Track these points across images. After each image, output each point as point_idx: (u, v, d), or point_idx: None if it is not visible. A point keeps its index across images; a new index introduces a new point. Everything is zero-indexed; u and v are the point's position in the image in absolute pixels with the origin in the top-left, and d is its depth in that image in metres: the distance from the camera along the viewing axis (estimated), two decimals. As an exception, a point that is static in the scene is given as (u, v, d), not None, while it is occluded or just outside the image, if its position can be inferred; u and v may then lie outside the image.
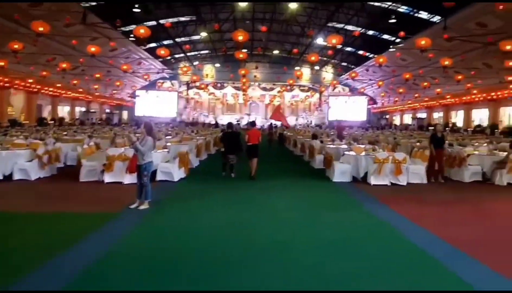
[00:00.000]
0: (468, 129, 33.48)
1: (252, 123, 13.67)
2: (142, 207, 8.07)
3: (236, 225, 6.96)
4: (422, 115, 47.47)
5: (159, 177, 11.28)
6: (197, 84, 55.03)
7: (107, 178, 10.84)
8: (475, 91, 29.80)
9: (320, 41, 41.33)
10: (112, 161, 10.90)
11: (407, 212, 7.86)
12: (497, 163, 11.09)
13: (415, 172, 11.11)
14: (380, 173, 10.64)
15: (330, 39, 15.98)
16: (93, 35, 26.27)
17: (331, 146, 14.62)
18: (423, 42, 15.83)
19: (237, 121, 54.13)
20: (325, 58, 52.10)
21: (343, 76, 53.06)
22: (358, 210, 8.16)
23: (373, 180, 10.77)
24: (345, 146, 14.43)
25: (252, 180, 11.72)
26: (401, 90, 31.63)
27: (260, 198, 9.30)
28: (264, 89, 59.86)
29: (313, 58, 20.52)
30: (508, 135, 25.57)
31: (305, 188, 10.65)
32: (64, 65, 25.66)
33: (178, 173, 11.58)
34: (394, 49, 31.55)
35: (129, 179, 10.24)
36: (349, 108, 58.16)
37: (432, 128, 14.85)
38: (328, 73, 57.92)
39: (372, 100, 58.03)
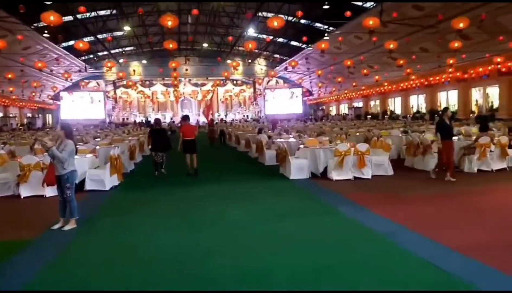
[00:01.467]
0: (408, 115, 34.22)
1: (185, 117, 12.86)
2: (67, 227, 6.32)
3: (186, 249, 5.35)
4: (359, 104, 48.37)
5: (88, 186, 9.44)
6: (124, 82, 51.86)
7: (24, 191, 8.89)
8: (413, 77, 30.24)
9: (251, 32, 40.31)
10: (27, 171, 8.89)
11: (392, 214, 6.73)
12: (464, 148, 10.45)
13: (379, 163, 10.24)
14: (342, 167, 9.63)
15: (272, 22, 14.73)
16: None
17: (281, 140, 13.52)
18: (371, 22, 14.79)
19: (171, 119, 51.89)
20: (256, 50, 51.42)
21: (277, 67, 52.60)
22: (333, 216, 6.89)
23: (335, 175, 9.73)
24: (293, 140, 13.44)
25: (194, 175, 11.38)
26: (339, 79, 31.53)
27: (210, 208, 7.71)
28: (196, 85, 57.80)
29: (250, 45, 19.02)
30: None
31: (261, 190, 9.30)
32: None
33: (110, 181, 9.79)
34: (328, 38, 31.22)
35: (52, 191, 8.25)
36: (285, 101, 58.13)
37: (440, 113, 12.61)
38: (261, 66, 57.27)
39: (308, 92, 58.32)
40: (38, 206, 8.05)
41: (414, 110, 36.56)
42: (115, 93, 55.87)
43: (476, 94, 29.49)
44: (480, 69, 25.26)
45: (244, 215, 7.12)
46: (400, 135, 13.93)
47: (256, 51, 51.60)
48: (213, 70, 50.24)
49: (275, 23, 14.64)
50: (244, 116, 56.73)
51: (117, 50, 48.77)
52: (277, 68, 52.51)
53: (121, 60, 45.95)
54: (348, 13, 20.47)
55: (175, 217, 7.10)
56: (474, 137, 10.94)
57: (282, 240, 5.65)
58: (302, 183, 9.77)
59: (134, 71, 53.23)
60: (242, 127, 26.18)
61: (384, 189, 8.94)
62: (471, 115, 27.72)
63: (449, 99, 31.92)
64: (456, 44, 16.75)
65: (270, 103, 59.03)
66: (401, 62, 21.96)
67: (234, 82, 58.27)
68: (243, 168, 13.44)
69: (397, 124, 23.32)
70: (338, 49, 33.29)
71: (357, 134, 16.52)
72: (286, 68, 47.30)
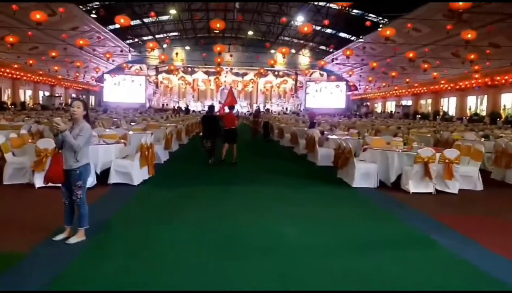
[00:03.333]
0: (464, 117, 31.21)
1: (230, 108, 12.69)
2: (73, 239, 4.78)
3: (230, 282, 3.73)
4: (408, 102, 45.24)
5: (113, 179, 7.98)
6: (166, 67, 51.20)
7: (38, 181, 7.44)
8: (476, 76, 27.28)
9: (299, 21, 38.19)
10: (43, 157, 7.52)
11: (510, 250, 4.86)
12: None
13: (466, 175, 8.18)
14: (426, 177, 7.66)
15: (302, 28, 14.14)
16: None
17: (336, 137, 11.66)
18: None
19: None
20: (301, 41, 49.17)
21: (325, 58, 50.25)
22: (430, 249, 4.95)
23: (412, 187, 7.79)
24: (349, 138, 11.56)
25: (233, 164, 11.22)
26: (393, 73, 28.97)
27: (257, 223, 5.91)
28: (237, 74, 56.38)
29: (306, 28, 16.91)
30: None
31: (320, 201, 7.47)
32: (11, 39, 21.47)
33: (139, 174, 8.27)
34: (381, 29, 28.70)
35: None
36: (327, 95, 55.86)
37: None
38: (305, 57, 55.00)
39: (354, 86, 55.59)
40: (51, 200, 6.59)
41: (472, 111, 33.42)
42: (156, 77, 55.35)
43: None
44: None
45: (301, 234, 5.41)
46: (483, 140, 11.59)
47: (302, 41, 49.59)
48: (258, 57, 48.42)
49: (305, 29, 13.68)
50: (283, 108, 54.83)
51: (161, 35, 47.96)
52: (325, 58, 50.13)
53: (164, 45, 45.28)
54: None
55: (209, 233, 5.40)
56: None
57: (369, 286, 3.87)
58: (370, 194, 7.87)
59: (177, 54, 52.36)
60: (285, 120, 24.32)
61: (483, 210, 6.98)
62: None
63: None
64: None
65: (311, 96, 56.94)
66: (472, 56, 19.33)
67: (276, 73, 56.45)
68: (292, 167, 11.62)
69: (459, 126, 20.83)
70: (399, 39, 30.98)
71: (419, 135, 14.24)
72: (332, 60, 44.99)
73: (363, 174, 8.36)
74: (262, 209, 6.70)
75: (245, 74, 56.26)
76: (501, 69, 26.23)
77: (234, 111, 13.13)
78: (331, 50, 46.28)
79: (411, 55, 18.45)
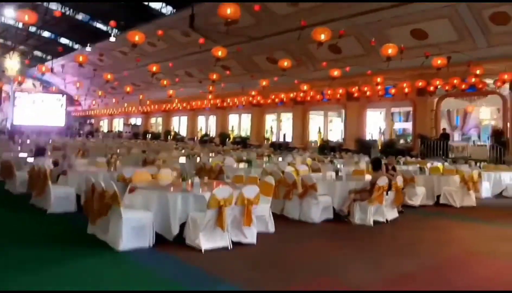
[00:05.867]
0: (195, 137, 31.83)
1: None
2: None
3: None
4: (137, 120, 43.47)
5: None
6: None
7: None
8: (210, 96, 28.39)
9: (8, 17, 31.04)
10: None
11: None
12: (356, 192, 7.90)
13: (259, 214, 6.58)
14: (219, 226, 5.57)
15: (22, 15, 11.05)
16: None
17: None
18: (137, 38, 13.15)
19: None
20: (9, 42, 40.47)
21: (34, 68, 42.94)
22: None
23: (204, 242, 5.54)
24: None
25: None
26: (128, 89, 26.43)
27: None
28: None
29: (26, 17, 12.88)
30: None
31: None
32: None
33: None
34: (114, 40, 26.15)
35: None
36: (42, 109, 47.82)
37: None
38: (13, 62, 45.49)
39: (77, 101, 49.80)
40: None
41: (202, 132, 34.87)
42: None
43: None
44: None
45: None
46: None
47: (9, 43, 40.75)
48: None
49: (26, 17, 11.04)
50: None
51: None
52: (34, 68, 42.93)
53: None
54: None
55: None
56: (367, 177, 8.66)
57: None
58: (143, 261, 5.25)
59: None
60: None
61: (283, 266, 5.43)
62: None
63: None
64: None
65: (21, 110, 47.44)
66: (214, 76, 19.58)
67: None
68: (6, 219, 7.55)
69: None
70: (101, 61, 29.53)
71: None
72: (52, 69, 38.75)
73: (134, 228, 5.60)
74: None
75: None
76: (231, 92, 28.14)
77: None
78: (48, 57, 39.93)
79: (154, 68, 16.75)
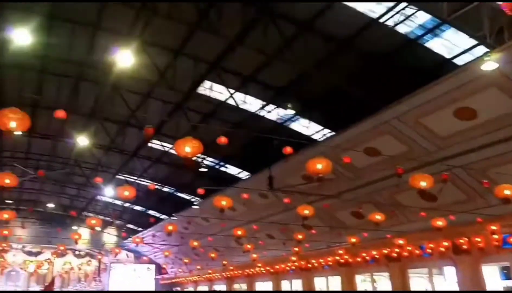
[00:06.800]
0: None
1: None
2: None
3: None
4: (221, 287, 41.85)
5: None
6: None
7: None
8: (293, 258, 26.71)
9: (107, 196, 33.94)
10: None
11: None
12: None
13: None
14: None
15: (121, 192, 11.58)
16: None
17: None
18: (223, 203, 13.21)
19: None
20: (108, 218, 44.06)
21: (126, 241, 45.62)
22: None
23: None
24: None
25: None
26: (213, 255, 26.21)
27: None
28: (30, 253, 45.59)
29: (93, 221, 15.74)
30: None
31: None
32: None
33: None
34: (197, 207, 26.89)
35: None
36: (134, 278, 48.98)
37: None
38: (110, 236, 48.76)
39: (164, 269, 50.55)
40: None
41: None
42: None
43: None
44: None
45: None
46: None
47: (108, 219, 44.31)
48: (60, 230, 39.84)
49: (126, 193, 11.54)
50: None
51: None
52: (125, 241, 45.39)
53: None
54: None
55: None
56: None
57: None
58: None
59: None
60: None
61: None
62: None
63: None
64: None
65: (115, 280, 48.97)
66: (300, 236, 18.42)
67: (77, 252, 47.66)
68: None
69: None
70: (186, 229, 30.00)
71: None
72: (135, 242, 40.59)
73: None
74: None
75: (39, 253, 45.80)
76: (316, 252, 26.21)
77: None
78: (139, 228, 42.23)
79: (239, 232, 16.29)
